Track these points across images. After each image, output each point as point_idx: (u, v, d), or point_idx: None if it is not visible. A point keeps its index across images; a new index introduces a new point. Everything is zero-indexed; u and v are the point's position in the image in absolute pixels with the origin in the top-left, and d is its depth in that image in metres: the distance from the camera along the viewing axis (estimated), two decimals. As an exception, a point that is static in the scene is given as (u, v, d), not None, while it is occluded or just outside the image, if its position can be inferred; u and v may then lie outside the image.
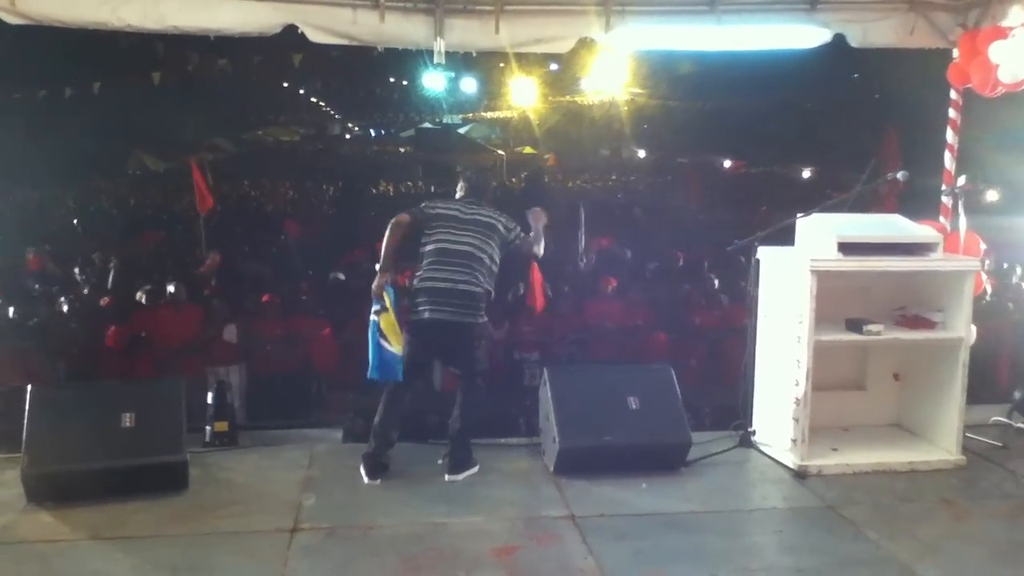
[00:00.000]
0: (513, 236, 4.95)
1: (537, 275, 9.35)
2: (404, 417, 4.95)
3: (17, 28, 4.93)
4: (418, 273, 4.86)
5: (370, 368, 4.80)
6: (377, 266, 4.93)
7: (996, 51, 5.19)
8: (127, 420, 4.59)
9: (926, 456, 5.07)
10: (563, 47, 5.67)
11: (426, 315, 4.77)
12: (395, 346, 4.75)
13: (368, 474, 4.82)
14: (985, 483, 4.86)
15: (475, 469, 4.93)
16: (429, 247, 4.85)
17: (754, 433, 5.29)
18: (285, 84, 36.64)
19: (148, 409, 4.68)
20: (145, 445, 4.57)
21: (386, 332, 4.75)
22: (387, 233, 4.82)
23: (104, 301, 9.01)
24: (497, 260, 4.90)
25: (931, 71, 6.22)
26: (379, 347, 4.75)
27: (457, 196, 5.10)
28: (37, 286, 9.72)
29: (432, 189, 25.18)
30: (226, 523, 4.29)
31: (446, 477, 4.86)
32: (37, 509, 4.37)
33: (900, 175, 5.07)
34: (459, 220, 4.87)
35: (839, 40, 5.75)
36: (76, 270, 10.86)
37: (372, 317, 4.78)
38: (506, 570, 3.87)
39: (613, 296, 9.09)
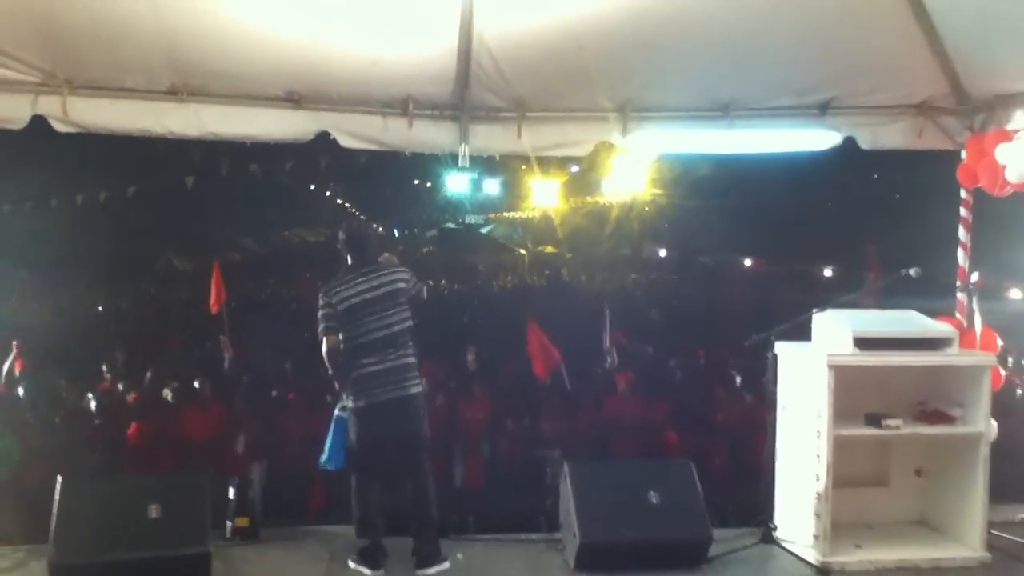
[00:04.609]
0: (412, 286, 5.04)
1: (535, 339, 9.35)
2: (383, 504, 4.99)
3: (58, 134, 5.19)
4: (349, 363, 4.87)
5: (327, 459, 5.04)
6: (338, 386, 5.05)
7: (1002, 153, 5.35)
8: (153, 512, 4.64)
9: (950, 553, 5.01)
10: (582, 150, 5.89)
11: (370, 399, 4.86)
12: None
13: (371, 566, 4.84)
14: (1013, 581, 4.79)
15: (446, 565, 4.88)
16: (351, 343, 4.86)
17: (776, 529, 5.26)
18: (312, 187, 37.62)
19: (173, 501, 4.73)
20: (170, 537, 4.60)
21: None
22: (328, 360, 4.90)
23: (132, 397, 9.15)
24: (411, 318, 4.99)
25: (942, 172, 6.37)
26: (344, 437, 5.00)
27: (350, 264, 5.03)
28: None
29: (455, 287, 25.52)
30: (249, 616, 4.30)
31: (417, 573, 4.82)
32: (62, 601, 4.40)
33: (913, 271, 5.17)
34: (370, 304, 4.87)
35: (850, 143, 5.94)
36: (104, 367, 11.05)
37: (338, 412, 5.03)
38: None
39: (633, 392, 9.11)
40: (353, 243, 5.07)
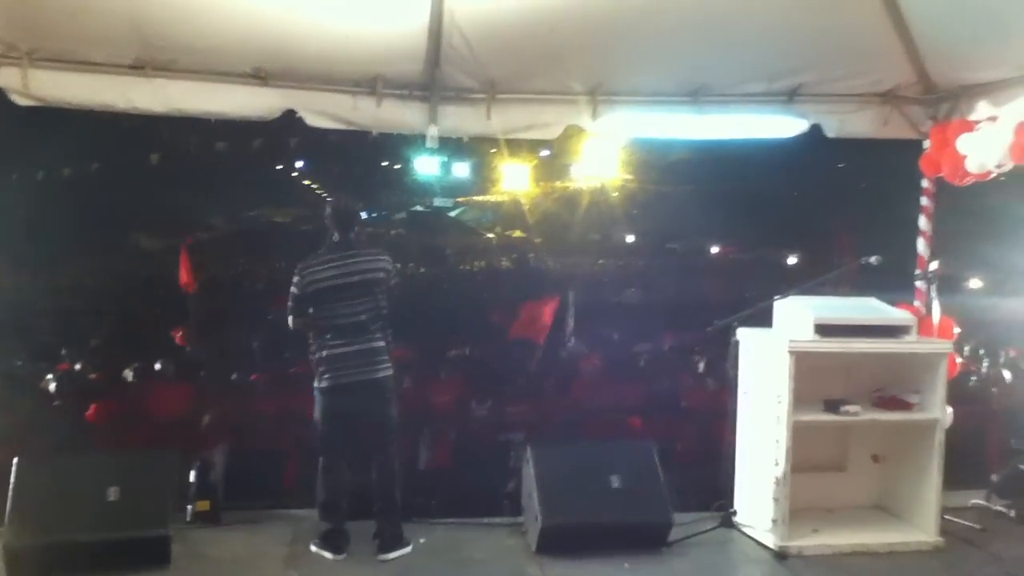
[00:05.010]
0: (391, 276, 4.99)
1: (533, 310, 9.37)
2: (347, 486, 4.96)
3: (19, 108, 5.06)
4: (318, 341, 4.86)
5: None
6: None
7: (964, 143, 5.42)
8: (112, 493, 4.58)
9: (905, 538, 5.10)
10: (552, 133, 5.87)
11: (336, 380, 4.82)
12: None
13: (333, 551, 4.80)
14: (966, 565, 4.87)
15: (408, 549, 4.87)
16: (322, 322, 4.83)
17: (735, 513, 5.31)
18: (280, 167, 37.30)
19: (133, 483, 4.66)
20: (129, 519, 4.54)
21: None
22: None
23: (92, 377, 9.02)
24: (386, 306, 4.92)
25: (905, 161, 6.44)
26: None
27: (333, 242, 4.94)
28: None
29: (422, 270, 25.49)
30: (208, 598, 4.27)
31: (378, 557, 4.80)
32: (17, 583, 4.33)
33: (873, 259, 5.24)
34: (340, 290, 4.80)
35: (816, 130, 5.98)
36: (64, 347, 10.89)
37: None
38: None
39: (599, 377, 9.14)
40: (339, 218, 4.96)
